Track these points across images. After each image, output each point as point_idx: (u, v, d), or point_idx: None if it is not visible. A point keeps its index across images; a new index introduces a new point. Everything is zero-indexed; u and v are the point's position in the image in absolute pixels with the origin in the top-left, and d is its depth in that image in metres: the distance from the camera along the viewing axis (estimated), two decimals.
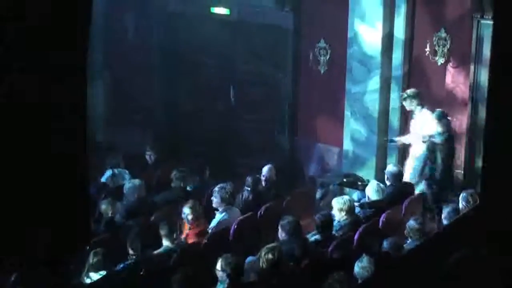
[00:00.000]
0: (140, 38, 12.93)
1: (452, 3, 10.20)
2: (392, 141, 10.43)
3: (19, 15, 2.18)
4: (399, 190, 9.33)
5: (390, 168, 9.49)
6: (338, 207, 8.53)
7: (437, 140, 9.75)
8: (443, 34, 10.30)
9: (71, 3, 2.44)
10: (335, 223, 8.51)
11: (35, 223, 2.39)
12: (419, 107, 10.02)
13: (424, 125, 9.94)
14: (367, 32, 10.55)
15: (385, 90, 10.62)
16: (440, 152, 9.78)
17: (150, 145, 11.11)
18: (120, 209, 8.81)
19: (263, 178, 9.62)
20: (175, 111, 12.94)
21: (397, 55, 10.57)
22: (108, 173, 10.09)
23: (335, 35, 11.14)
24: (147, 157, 10.81)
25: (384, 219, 8.63)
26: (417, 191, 9.62)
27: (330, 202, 8.89)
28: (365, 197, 9.39)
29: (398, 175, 9.41)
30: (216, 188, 8.80)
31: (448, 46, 10.28)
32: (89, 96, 3.02)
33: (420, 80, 10.57)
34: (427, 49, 10.37)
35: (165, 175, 10.08)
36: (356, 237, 8.18)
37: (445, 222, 8.28)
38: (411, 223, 7.99)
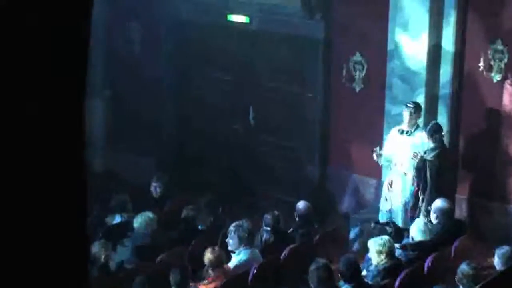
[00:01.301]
0: (147, 50, 13.00)
1: (511, 10, 10.17)
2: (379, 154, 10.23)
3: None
4: (448, 229, 9.27)
5: (439, 203, 9.42)
6: (376, 249, 8.48)
7: (428, 157, 9.79)
8: (500, 47, 10.28)
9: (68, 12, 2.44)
10: (372, 267, 8.46)
11: (22, 264, 2.38)
12: (415, 126, 10.09)
13: (418, 146, 9.96)
14: (410, 44, 10.55)
15: (431, 111, 10.58)
16: (430, 170, 9.75)
17: (157, 175, 11.10)
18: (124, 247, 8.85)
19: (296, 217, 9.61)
20: (186, 133, 12.95)
21: (446, 71, 10.55)
22: (117, 218, 10.09)
23: (372, 47, 11.14)
24: (152, 189, 10.80)
25: (430, 263, 8.59)
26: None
27: (366, 243, 8.83)
28: (408, 237, 9.33)
29: (448, 211, 9.34)
30: (232, 228, 8.73)
31: (505, 60, 10.27)
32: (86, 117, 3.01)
33: (472, 100, 10.55)
34: (481, 63, 10.35)
35: (172, 212, 10.06)
36: (397, 284, 8.15)
37: (498, 266, 8.23)
38: (463, 268, 7.94)
